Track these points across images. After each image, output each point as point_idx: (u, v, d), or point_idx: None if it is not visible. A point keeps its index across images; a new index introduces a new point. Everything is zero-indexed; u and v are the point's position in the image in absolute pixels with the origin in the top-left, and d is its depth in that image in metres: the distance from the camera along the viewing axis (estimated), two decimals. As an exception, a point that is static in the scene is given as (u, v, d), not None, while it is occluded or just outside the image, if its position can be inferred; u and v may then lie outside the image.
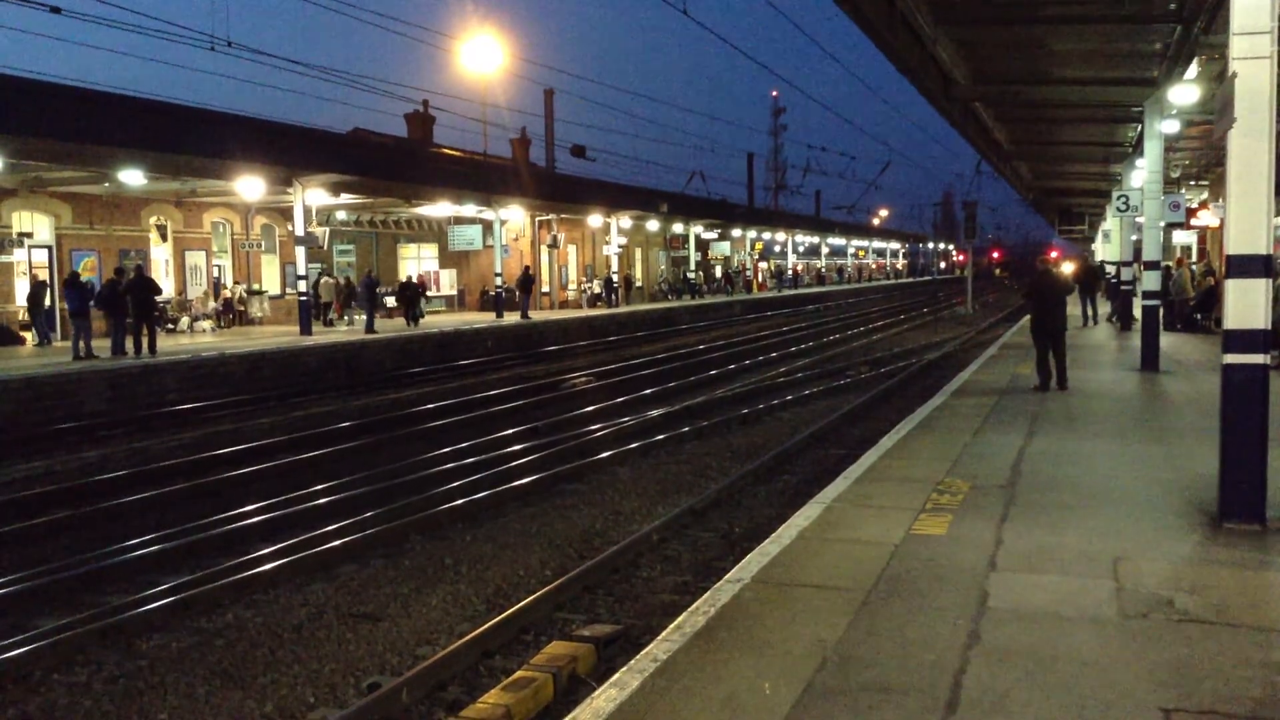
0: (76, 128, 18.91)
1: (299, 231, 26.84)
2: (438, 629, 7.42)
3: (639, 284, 51.29)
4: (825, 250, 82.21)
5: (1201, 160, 28.73)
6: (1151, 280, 18.35)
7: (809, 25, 21.33)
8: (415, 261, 40.59)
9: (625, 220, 43.83)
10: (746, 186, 75.09)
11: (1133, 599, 5.62)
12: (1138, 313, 21.82)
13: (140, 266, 23.84)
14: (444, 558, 9.10)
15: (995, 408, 13.10)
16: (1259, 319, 6.93)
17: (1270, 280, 7.00)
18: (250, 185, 25.01)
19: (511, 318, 32.97)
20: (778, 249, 70.06)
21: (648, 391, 19.52)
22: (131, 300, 20.53)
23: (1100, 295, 32.85)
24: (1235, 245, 6.96)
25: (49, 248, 25.86)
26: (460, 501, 10.72)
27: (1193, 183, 33.47)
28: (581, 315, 36.56)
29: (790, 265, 69.32)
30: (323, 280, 32.55)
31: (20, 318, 24.87)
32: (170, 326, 27.98)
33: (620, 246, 45.13)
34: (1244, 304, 6.95)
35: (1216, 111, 7.59)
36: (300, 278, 27.57)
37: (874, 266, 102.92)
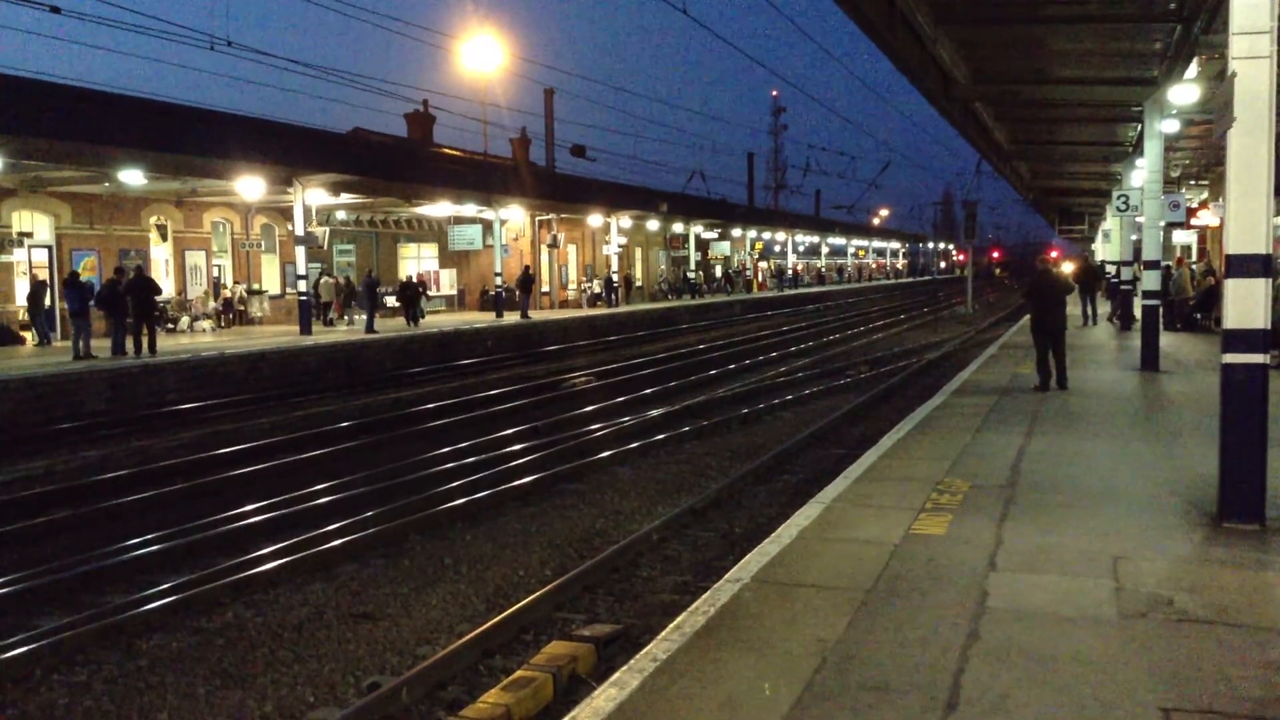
0: (76, 127, 18.90)
1: (299, 231, 26.84)
2: (438, 628, 7.43)
3: (639, 284, 51.29)
4: (825, 250, 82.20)
5: (1201, 160, 28.73)
6: (1151, 280, 18.35)
7: (809, 25, 21.36)
8: (415, 261, 40.58)
9: (625, 220, 43.83)
10: (746, 186, 75.16)
11: (1132, 598, 5.63)
12: (1138, 312, 21.81)
13: (140, 266, 23.84)
14: (444, 557, 9.10)
15: (995, 407, 13.10)
16: (1258, 318, 6.92)
17: (1270, 280, 7.00)
18: (250, 185, 25.01)
19: (511, 317, 32.97)
20: (778, 249, 70.05)
21: (648, 391, 19.53)
22: (131, 300, 20.52)
23: (1100, 295, 32.85)
24: (1235, 245, 6.96)
25: (49, 247, 25.85)
26: (460, 501, 10.73)
27: (1193, 182, 33.47)
28: (581, 315, 36.56)
29: (790, 265, 69.31)
30: (323, 280, 32.54)
31: (20, 317, 24.86)
32: (170, 326, 27.98)
33: (620, 246, 45.13)
34: (1243, 303, 6.94)
35: (1216, 111, 7.59)
36: (300, 277, 27.56)
37: (874, 266, 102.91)
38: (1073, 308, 25.53)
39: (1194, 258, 33.28)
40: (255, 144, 23.03)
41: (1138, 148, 22.27)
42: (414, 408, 18.16)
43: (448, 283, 41.04)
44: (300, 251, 27.31)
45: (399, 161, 31.32)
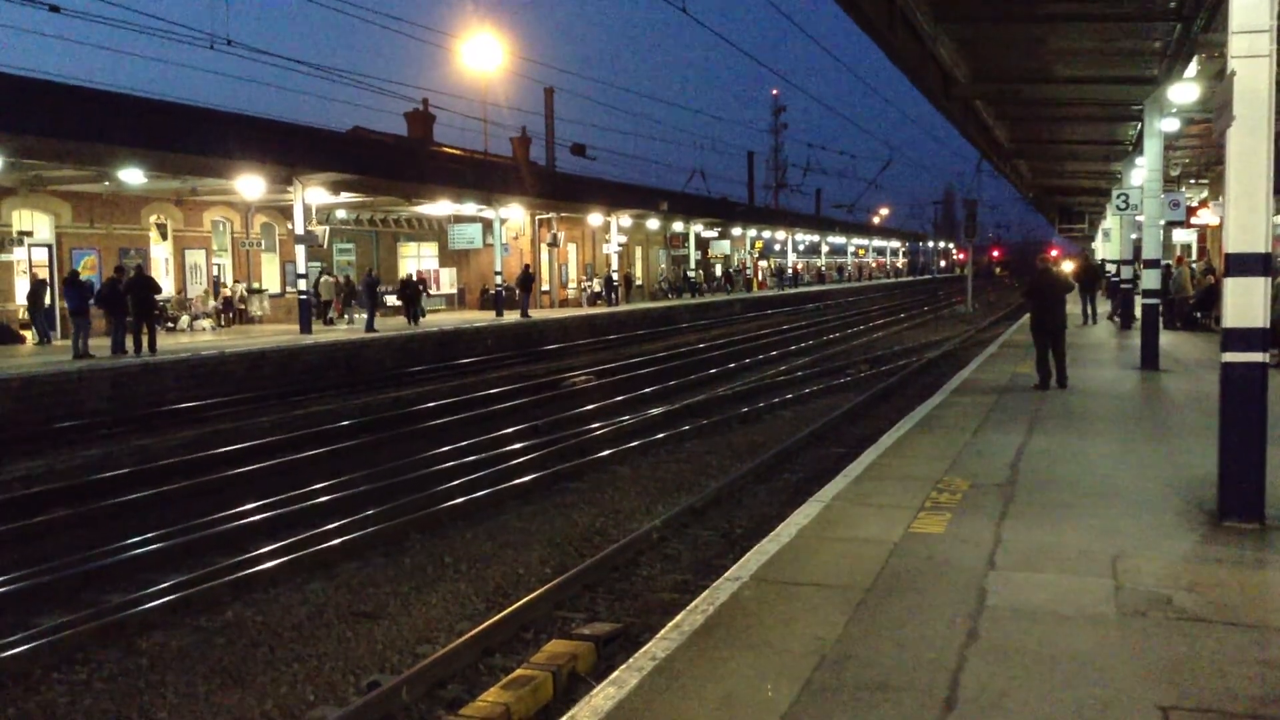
0: (76, 126, 18.91)
1: (299, 230, 26.84)
2: (437, 627, 7.43)
3: (639, 282, 51.28)
4: (825, 249, 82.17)
5: (1202, 159, 28.72)
6: (1151, 279, 18.35)
7: (809, 24, 21.36)
8: (415, 260, 40.59)
9: (625, 219, 43.82)
10: (747, 185, 75.20)
11: (1131, 597, 5.63)
12: (1138, 311, 21.81)
13: (140, 265, 23.86)
14: (444, 556, 9.11)
15: (995, 406, 13.11)
16: (1258, 317, 6.93)
17: (1269, 279, 7.00)
18: (250, 184, 25.01)
19: (511, 316, 32.97)
20: (778, 247, 70.05)
21: (648, 390, 19.53)
22: (131, 299, 20.53)
23: (1100, 294, 32.84)
24: (1234, 244, 6.96)
25: (49, 246, 25.86)
26: (460, 500, 10.73)
27: (1193, 181, 33.45)
28: (581, 314, 36.57)
29: (790, 264, 69.29)
30: (323, 279, 32.54)
31: (20, 316, 24.87)
32: (170, 325, 27.97)
33: (620, 245, 45.12)
34: (1243, 302, 6.95)
35: (1215, 110, 7.59)
36: (300, 276, 27.56)
37: (874, 265, 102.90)
38: (1073, 306, 25.54)
39: (1194, 256, 33.28)
40: (255, 143, 23.03)
41: (1138, 146, 22.26)
42: (414, 406, 18.16)
43: (448, 282, 41.05)
44: (300, 250, 27.32)
45: (399, 160, 31.32)
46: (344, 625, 7.49)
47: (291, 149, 24.54)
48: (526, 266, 36.18)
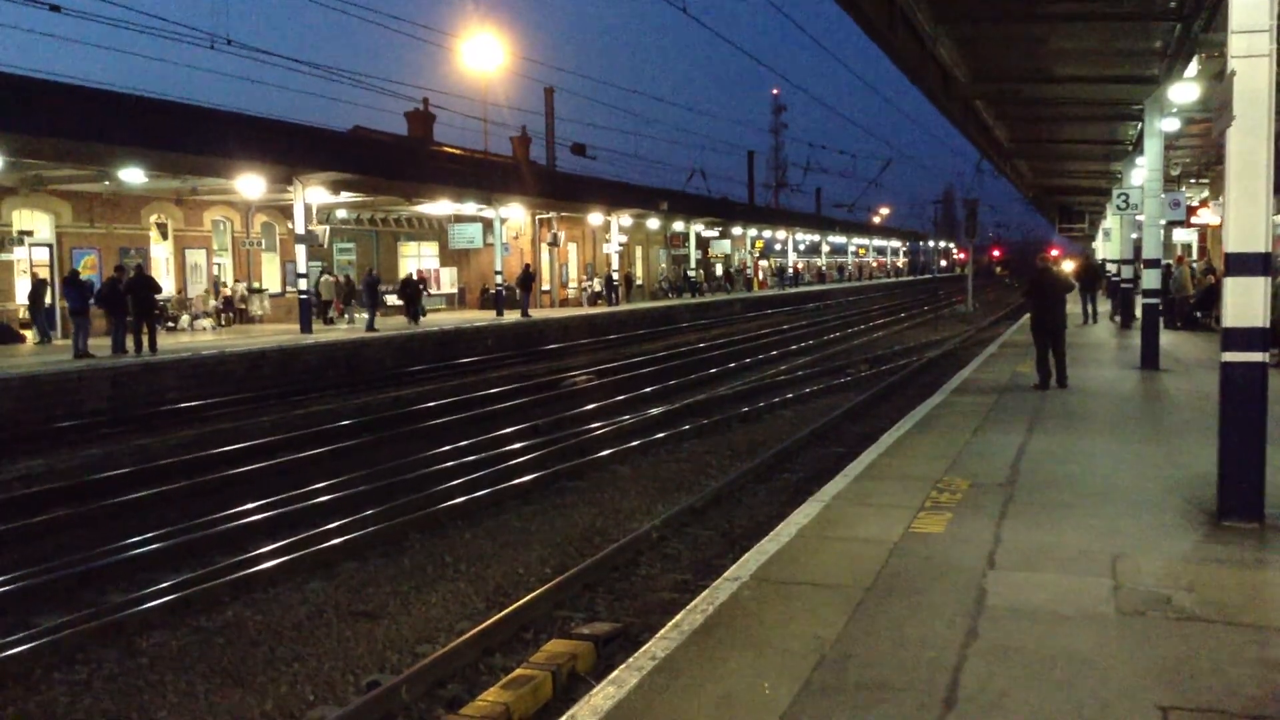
0: (77, 126, 18.91)
1: (299, 230, 26.85)
2: (437, 627, 7.43)
3: (639, 282, 51.29)
4: (826, 248, 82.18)
5: (1202, 158, 28.72)
6: (1152, 278, 18.34)
7: (809, 23, 21.35)
8: (415, 259, 40.60)
9: (626, 218, 43.82)
10: (747, 184, 75.16)
11: (1131, 597, 5.63)
12: (1138, 311, 21.82)
13: (140, 265, 23.86)
14: (444, 556, 9.11)
15: (995, 406, 13.11)
16: (1258, 317, 6.93)
17: (1269, 278, 7.00)
18: (251, 183, 25.01)
19: (512, 316, 32.97)
20: (778, 247, 70.06)
21: (648, 389, 19.53)
22: (132, 299, 20.53)
23: (1101, 293, 32.84)
24: (1234, 243, 6.96)
25: (49, 246, 25.87)
26: (460, 500, 10.73)
27: (1193, 180, 33.44)
28: (582, 313, 36.57)
29: (791, 263, 69.31)
30: (323, 278, 32.56)
31: (21, 316, 24.89)
32: (170, 325, 27.98)
33: (621, 244, 45.12)
34: (1243, 302, 6.95)
35: (1215, 110, 7.59)
36: (300, 276, 27.57)
37: (874, 264, 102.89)
38: (1073, 306, 25.55)
39: (1194, 256, 33.28)
40: (255, 142, 23.03)
41: (1138, 146, 22.26)
42: (414, 406, 18.15)
43: (448, 281, 41.06)
44: (300, 250, 27.32)
45: (399, 160, 31.32)
46: (344, 625, 7.50)
47: (292, 148, 24.53)
48: (527, 266, 36.18)
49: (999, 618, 5.34)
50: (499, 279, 35.64)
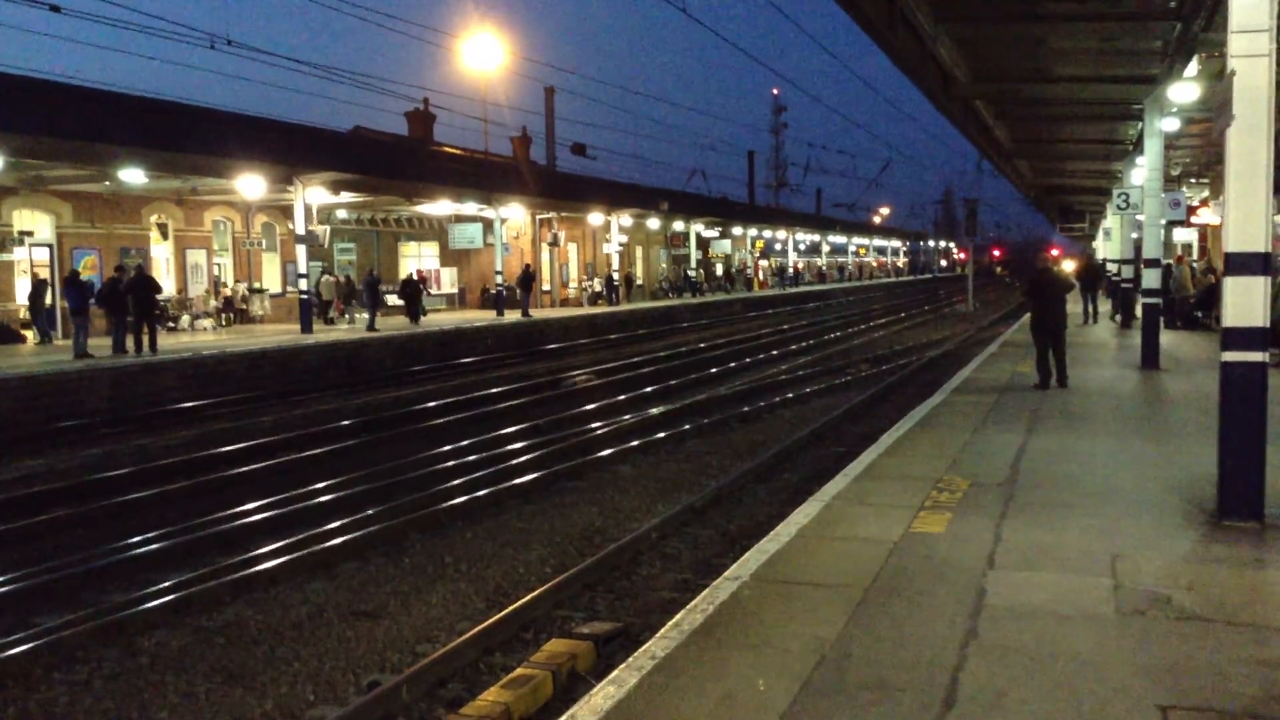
0: (77, 126, 18.91)
1: (300, 230, 26.85)
2: (438, 626, 7.44)
3: (640, 282, 51.29)
4: (826, 248, 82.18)
5: (1202, 158, 28.71)
6: (1152, 278, 18.34)
7: (809, 24, 21.34)
8: (416, 259, 40.61)
9: (626, 218, 43.82)
10: (747, 184, 75.12)
11: (1131, 596, 5.63)
12: (1138, 310, 21.81)
13: (141, 265, 23.87)
14: (444, 555, 9.11)
15: (995, 405, 13.11)
16: (1257, 317, 6.93)
17: (1269, 278, 7.00)
18: (251, 184, 25.02)
19: (512, 316, 32.97)
20: (778, 247, 70.04)
21: (648, 389, 19.54)
22: (132, 299, 20.53)
23: (1101, 293, 32.84)
24: (1234, 243, 6.96)
25: (50, 246, 25.87)
26: (461, 499, 10.74)
27: (1194, 180, 33.44)
28: (582, 313, 36.57)
29: (791, 263, 69.30)
30: (323, 278, 32.57)
31: (21, 316, 24.89)
32: (171, 325, 27.99)
33: (621, 244, 45.12)
34: (1242, 302, 6.95)
35: (1215, 109, 7.60)
36: (301, 276, 27.57)
37: (875, 264, 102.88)
38: (1074, 306, 25.55)
39: (1195, 256, 33.27)
40: (256, 143, 23.03)
41: (1138, 146, 22.25)
42: (415, 406, 18.16)
43: (448, 281, 41.06)
44: (301, 250, 27.32)
45: (399, 160, 31.32)
46: (344, 625, 7.50)
47: (292, 148, 24.54)
48: (527, 266, 36.18)
49: (999, 617, 5.34)
50: (499, 279, 35.64)
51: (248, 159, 23.07)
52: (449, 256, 40.81)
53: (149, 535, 9.66)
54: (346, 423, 16.23)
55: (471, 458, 13.00)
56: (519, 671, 6.13)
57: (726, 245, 63.04)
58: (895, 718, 4.23)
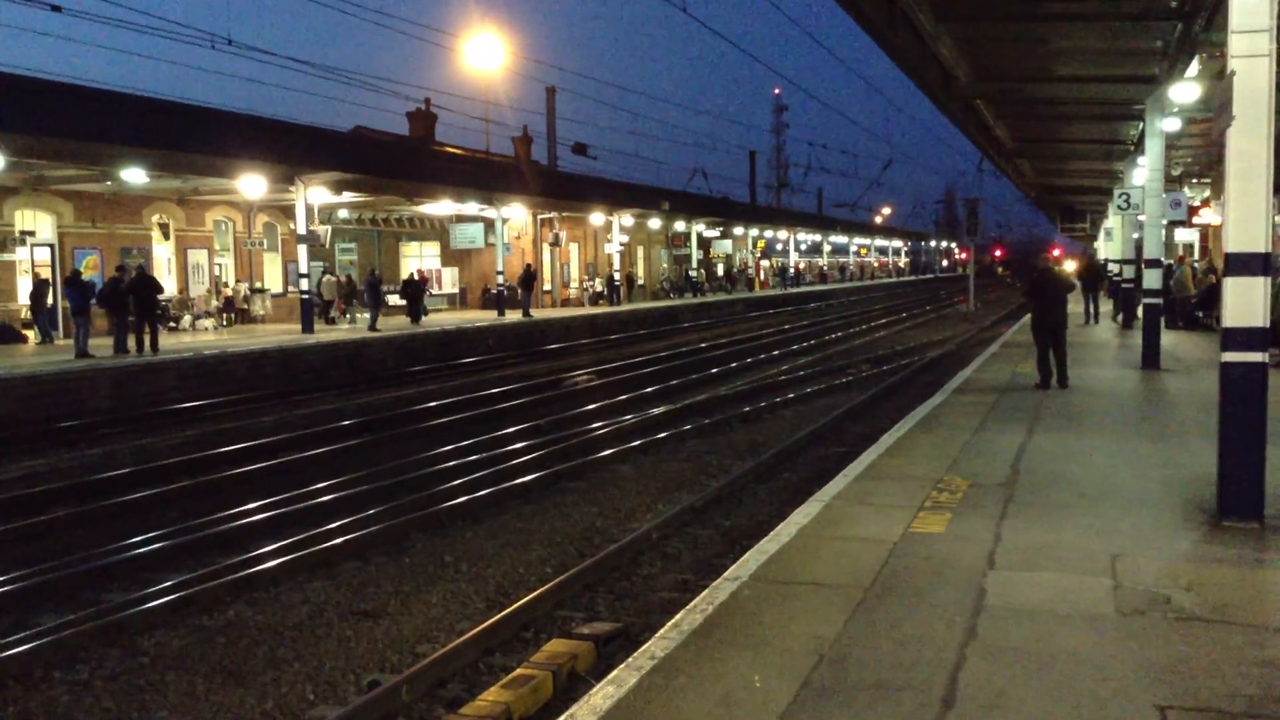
0: (78, 126, 18.93)
1: (301, 230, 26.87)
2: (438, 626, 7.44)
3: (641, 282, 51.29)
4: (827, 248, 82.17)
5: (1203, 158, 28.68)
6: (1153, 278, 18.34)
7: (810, 23, 21.35)
8: (417, 259, 40.61)
9: (627, 218, 43.82)
10: (748, 184, 75.13)
11: (1130, 596, 5.64)
12: (1139, 311, 21.80)
13: (142, 265, 23.92)
14: (445, 555, 9.12)
15: (996, 405, 13.11)
16: (1258, 317, 6.93)
17: (1269, 278, 7.00)
18: (252, 183, 25.03)
19: (513, 316, 32.98)
20: (780, 247, 70.02)
21: (649, 389, 19.54)
22: (134, 299, 20.55)
23: (1102, 293, 32.83)
24: (1234, 243, 6.96)
25: (51, 246, 25.89)
26: (462, 499, 10.74)
27: (1195, 180, 33.42)
28: (584, 313, 36.58)
29: (792, 263, 69.29)
30: (325, 278, 32.58)
31: (23, 316, 24.91)
32: (172, 325, 28.00)
33: (622, 244, 45.12)
34: (1243, 302, 6.95)
35: (1215, 110, 7.60)
36: (302, 276, 27.59)
37: (876, 264, 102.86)
38: (1074, 306, 25.53)
39: (1196, 256, 33.25)
40: (257, 142, 23.05)
41: (1139, 146, 22.24)
42: (416, 406, 18.16)
43: (450, 281, 41.07)
44: (302, 250, 27.33)
45: (401, 160, 31.34)
46: (345, 624, 7.51)
47: (293, 148, 24.56)
48: (528, 266, 36.18)
49: (998, 617, 5.35)
50: (500, 279, 35.65)
51: (249, 159, 23.08)
52: (450, 256, 40.81)
53: (150, 535, 9.66)
54: (348, 423, 16.23)
55: (472, 458, 13.01)
56: (519, 671, 6.14)
57: (728, 245, 63.01)
58: (895, 718, 4.23)
